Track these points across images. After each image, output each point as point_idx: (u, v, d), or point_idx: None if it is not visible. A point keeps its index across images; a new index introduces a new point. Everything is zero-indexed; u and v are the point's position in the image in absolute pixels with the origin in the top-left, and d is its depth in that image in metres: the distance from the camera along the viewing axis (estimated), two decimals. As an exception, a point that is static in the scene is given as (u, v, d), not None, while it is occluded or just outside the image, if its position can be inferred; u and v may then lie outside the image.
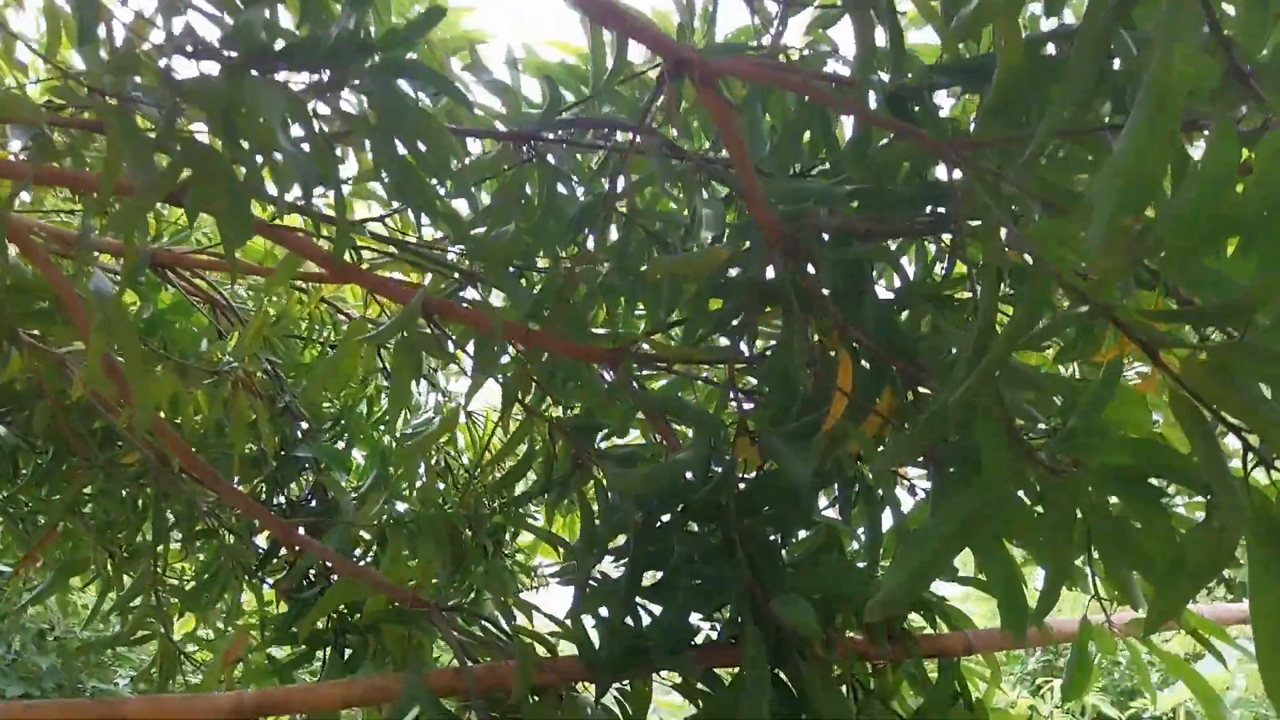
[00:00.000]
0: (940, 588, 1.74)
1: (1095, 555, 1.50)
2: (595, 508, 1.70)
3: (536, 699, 1.46)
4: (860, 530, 1.70)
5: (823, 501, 1.71)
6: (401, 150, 1.37)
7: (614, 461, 1.56)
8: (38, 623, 4.74)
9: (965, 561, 1.56)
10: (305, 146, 1.21)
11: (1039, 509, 1.18)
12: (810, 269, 1.37)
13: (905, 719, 1.56)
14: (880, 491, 1.60)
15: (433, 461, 2.35)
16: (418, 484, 2.03)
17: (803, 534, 1.70)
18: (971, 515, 1.09)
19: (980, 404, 1.12)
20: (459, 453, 2.62)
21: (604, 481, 1.59)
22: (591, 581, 1.61)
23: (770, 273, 1.45)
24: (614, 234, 1.77)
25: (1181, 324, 0.92)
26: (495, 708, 1.58)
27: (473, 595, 1.89)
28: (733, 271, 1.49)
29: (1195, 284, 0.99)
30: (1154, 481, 1.04)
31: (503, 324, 1.47)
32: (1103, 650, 1.60)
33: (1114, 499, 1.06)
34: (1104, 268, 0.91)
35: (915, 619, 1.70)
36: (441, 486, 2.36)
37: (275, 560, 2.30)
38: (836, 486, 1.60)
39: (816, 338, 1.39)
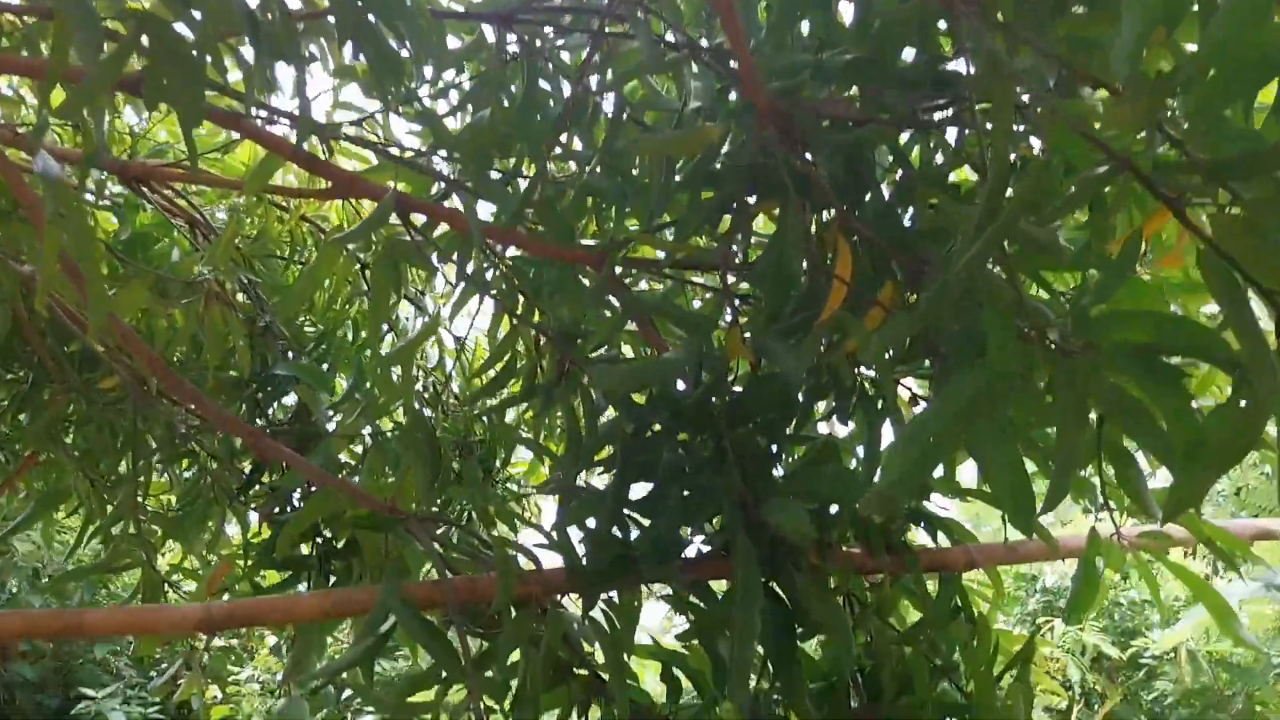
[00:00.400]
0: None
1: (1104, 463, 1.44)
2: (583, 425, 1.63)
3: (518, 612, 1.40)
4: (859, 447, 1.63)
5: (823, 429, 1.65)
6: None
7: (600, 364, 1.48)
8: (30, 562, 4.72)
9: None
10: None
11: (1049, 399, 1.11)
12: (808, 156, 1.28)
13: (901, 633, 1.50)
14: (880, 402, 1.53)
15: (418, 387, 2.28)
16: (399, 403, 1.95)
17: (799, 452, 1.64)
18: (975, 400, 1.02)
19: (987, 285, 1.04)
20: (447, 379, 2.56)
21: (592, 392, 1.51)
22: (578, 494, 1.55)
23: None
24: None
25: (1203, 175, 0.84)
26: (475, 621, 1.52)
27: (458, 515, 1.83)
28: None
29: (1222, 141, 0.91)
30: (1173, 362, 0.97)
31: (480, 222, 1.39)
32: (1110, 565, 1.54)
33: (1130, 382, 0.99)
34: (1124, 116, 0.83)
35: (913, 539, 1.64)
36: (430, 414, 2.29)
37: (259, 486, 2.25)
38: (834, 396, 1.53)
39: (814, 230, 1.31)
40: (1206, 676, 4.62)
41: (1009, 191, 1.13)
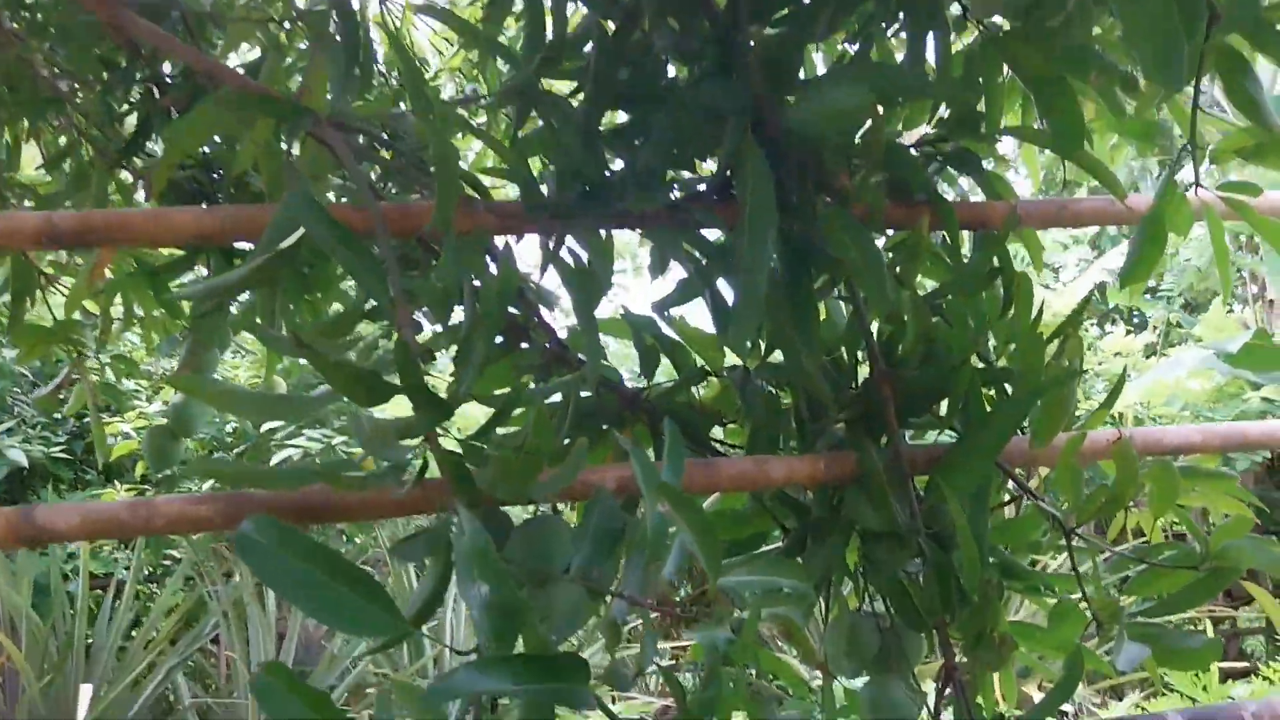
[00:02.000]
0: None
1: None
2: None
3: (461, 241, 1.10)
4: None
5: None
6: None
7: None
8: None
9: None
10: None
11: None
12: None
13: (928, 294, 1.24)
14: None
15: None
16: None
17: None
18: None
19: None
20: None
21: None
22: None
23: None
24: None
25: None
26: (409, 265, 1.23)
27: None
28: None
29: None
30: None
31: None
32: (1178, 227, 1.28)
33: None
34: None
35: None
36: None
37: (144, 153, 1.87)
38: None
39: None
40: (1148, 440, 4.65)
41: None
